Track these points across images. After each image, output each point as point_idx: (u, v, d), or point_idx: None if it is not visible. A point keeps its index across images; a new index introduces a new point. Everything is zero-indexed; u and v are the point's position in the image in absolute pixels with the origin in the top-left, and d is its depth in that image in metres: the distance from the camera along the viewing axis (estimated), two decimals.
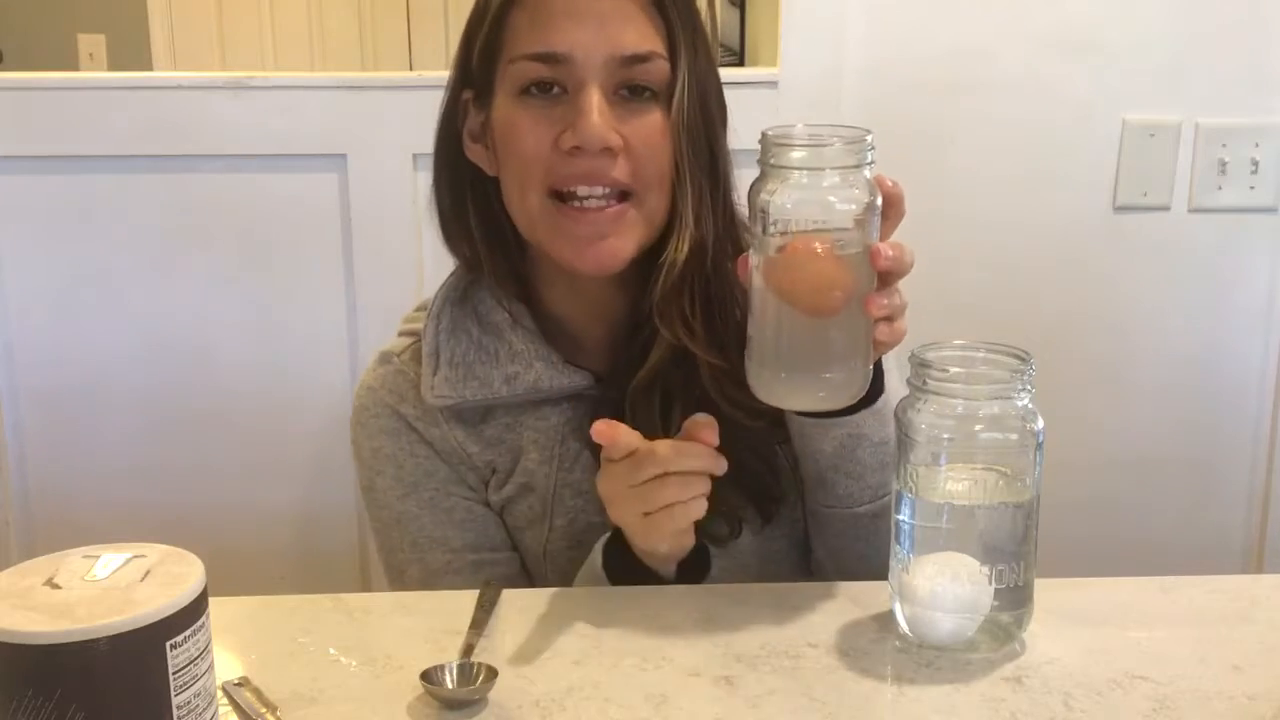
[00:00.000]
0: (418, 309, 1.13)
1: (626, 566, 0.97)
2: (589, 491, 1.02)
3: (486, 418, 1.06)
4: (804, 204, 0.82)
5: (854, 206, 0.82)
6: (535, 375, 1.04)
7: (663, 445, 0.89)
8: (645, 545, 0.95)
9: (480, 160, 1.04)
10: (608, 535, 0.99)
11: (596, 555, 0.99)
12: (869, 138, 0.83)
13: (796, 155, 0.82)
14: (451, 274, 1.10)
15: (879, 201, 0.83)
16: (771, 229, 0.83)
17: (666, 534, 0.93)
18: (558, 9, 0.96)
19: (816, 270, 0.83)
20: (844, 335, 0.85)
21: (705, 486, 0.90)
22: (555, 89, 0.97)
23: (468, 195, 1.05)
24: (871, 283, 0.84)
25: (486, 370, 1.04)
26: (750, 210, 0.85)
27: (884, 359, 0.96)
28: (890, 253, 0.82)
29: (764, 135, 0.84)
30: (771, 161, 0.83)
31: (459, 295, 1.07)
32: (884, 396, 0.96)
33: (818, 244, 0.82)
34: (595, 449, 0.99)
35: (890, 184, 0.84)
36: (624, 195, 0.98)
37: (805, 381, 0.86)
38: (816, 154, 0.83)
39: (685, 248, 0.99)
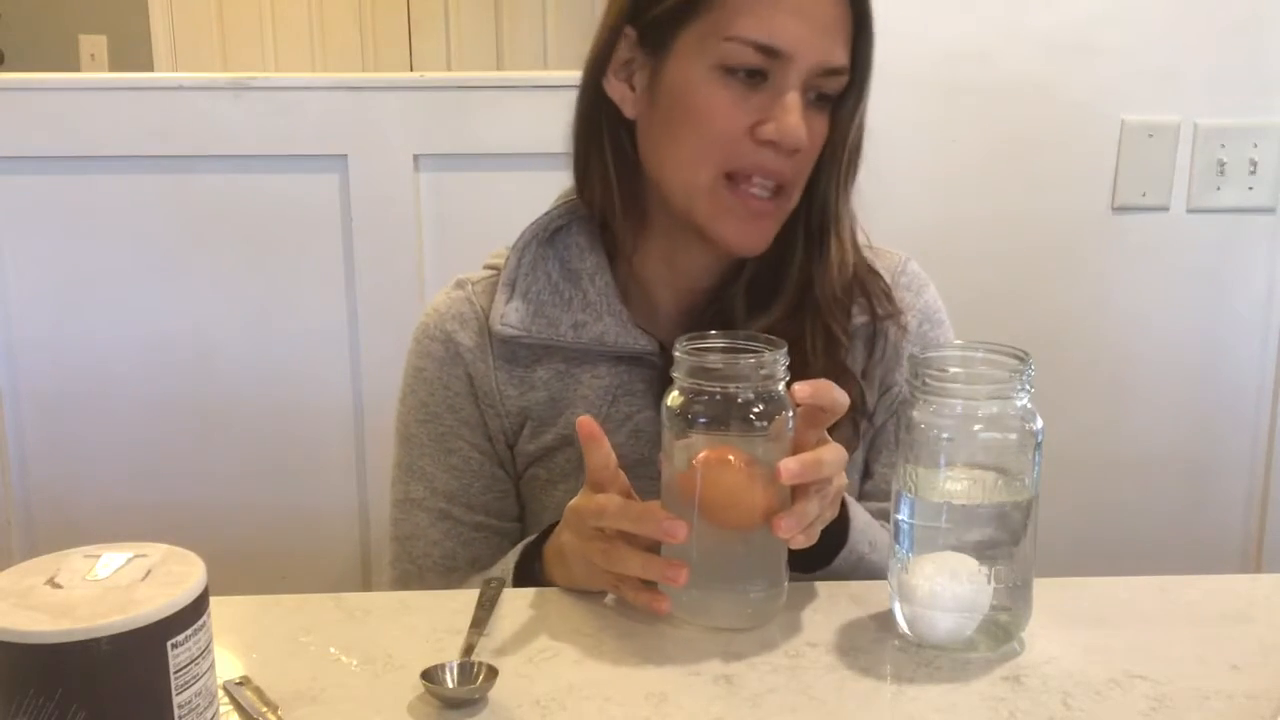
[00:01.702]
0: (506, 247, 1.12)
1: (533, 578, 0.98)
2: (628, 455, 1.00)
3: (541, 360, 1.07)
4: (718, 418, 0.84)
5: (766, 423, 0.84)
6: (602, 329, 1.05)
7: (613, 501, 0.86)
8: (566, 575, 0.94)
9: (621, 98, 1.04)
10: (530, 540, 1.00)
11: (510, 559, 1.00)
12: (782, 353, 0.84)
13: (712, 369, 0.83)
14: (544, 213, 1.10)
15: (790, 412, 0.85)
16: (682, 441, 0.84)
17: (585, 580, 0.92)
18: (786, 4, 0.96)
19: (730, 483, 0.84)
20: (766, 549, 0.86)
21: (635, 558, 0.86)
22: (754, 75, 0.98)
23: (603, 127, 1.05)
24: (786, 499, 0.85)
25: (556, 313, 1.06)
26: (663, 418, 0.86)
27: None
28: (795, 468, 0.82)
29: (677, 344, 0.85)
30: (685, 372, 0.84)
31: (546, 235, 1.08)
32: (851, 524, 0.96)
33: (731, 455, 0.83)
34: (644, 413, 1.04)
35: (808, 391, 0.84)
36: (780, 191, 1.01)
37: (729, 599, 0.86)
38: (732, 368, 0.84)
39: (850, 245, 1.05)
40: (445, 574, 1.10)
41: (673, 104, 1.00)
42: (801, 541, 0.85)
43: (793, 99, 0.97)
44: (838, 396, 0.85)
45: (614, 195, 1.05)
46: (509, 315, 1.06)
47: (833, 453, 0.85)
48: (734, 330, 0.90)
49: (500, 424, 1.09)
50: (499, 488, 1.11)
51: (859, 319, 1.08)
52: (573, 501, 0.92)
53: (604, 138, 1.05)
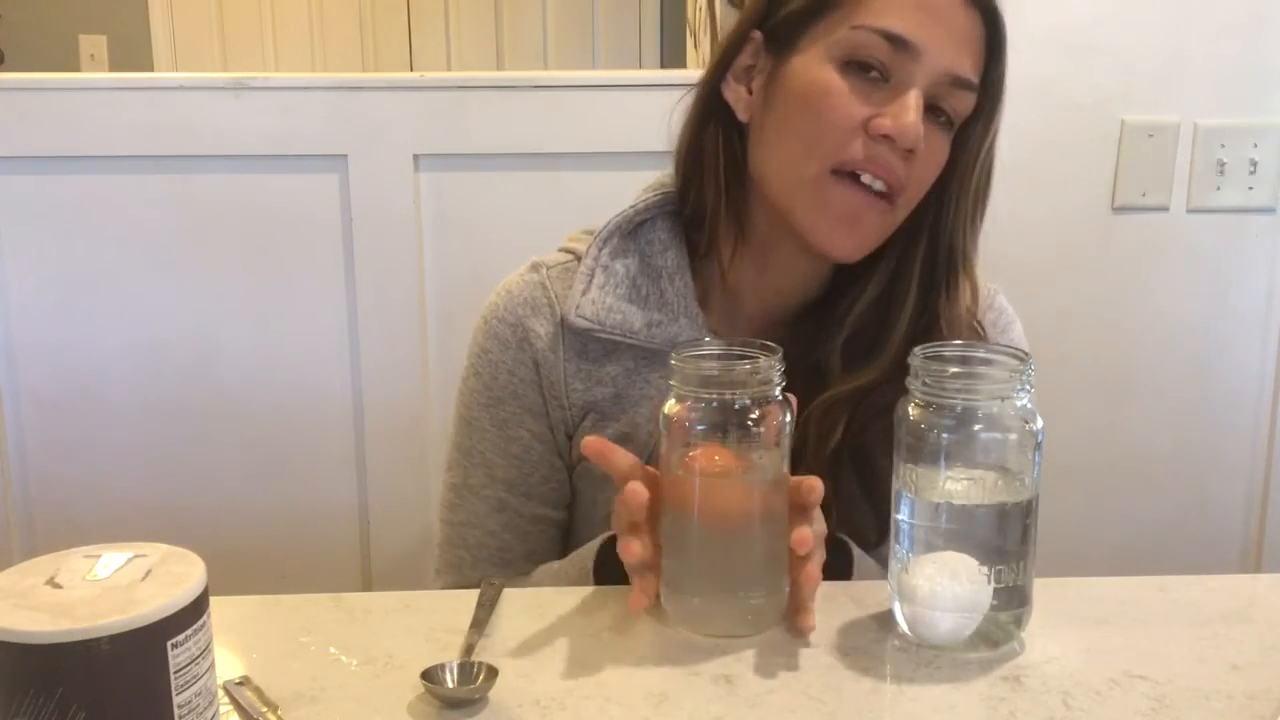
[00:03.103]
0: (585, 230, 1.11)
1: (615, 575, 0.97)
2: None
3: (610, 355, 1.06)
4: (715, 425, 0.84)
5: (763, 429, 0.83)
6: (677, 330, 1.04)
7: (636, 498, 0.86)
8: None
9: (736, 101, 1.03)
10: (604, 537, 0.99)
11: (590, 553, 0.99)
12: (777, 359, 0.84)
13: (707, 374, 0.83)
14: (630, 205, 1.08)
15: (788, 418, 0.85)
16: (678, 444, 0.84)
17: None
18: (921, 1, 0.95)
19: (721, 485, 0.84)
20: (766, 556, 0.86)
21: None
22: (875, 73, 0.96)
23: (717, 133, 1.04)
24: (785, 505, 0.86)
25: (632, 309, 1.04)
26: (659, 426, 0.86)
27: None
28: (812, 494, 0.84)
29: (675, 350, 0.85)
30: (681, 380, 0.84)
31: (630, 228, 1.07)
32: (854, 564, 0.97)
33: (718, 456, 0.83)
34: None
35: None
36: (889, 197, 0.98)
37: (729, 606, 0.86)
38: (728, 375, 0.83)
39: (971, 290, 1.03)
40: (501, 566, 1.09)
41: (789, 99, 0.99)
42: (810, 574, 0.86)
43: (914, 96, 0.94)
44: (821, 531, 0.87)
45: (721, 197, 1.04)
46: (584, 307, 1.04)
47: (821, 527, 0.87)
48: (730, 337, 0.90)
49: (562, 414, 1.07)
50: (557, 478, 1.10)
51: None
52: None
53: (717, 140, 1.04)
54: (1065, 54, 1.71)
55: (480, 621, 0.87)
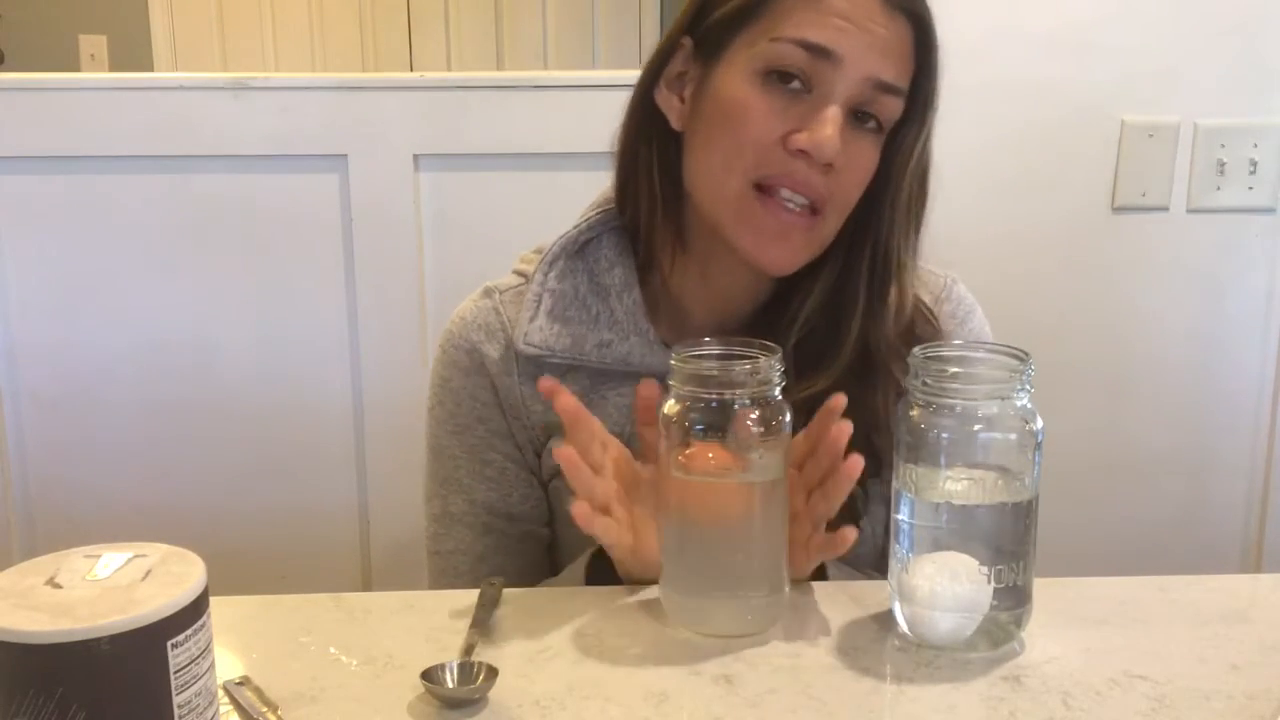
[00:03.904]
0: (535, 250, 1.11)
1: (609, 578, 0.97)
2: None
3: (565, 376, 1.05)
4: (715, 425, 0.84)
5: (763, 429, 0.83)
6: (628, 349, 1.04)
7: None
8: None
9: (669, 109, 1.02)
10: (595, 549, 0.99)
11: (580, 569, 0.99)
12: (777, 358, 0.84)
13: (707, 374, 0.83)
14: (574, 225, 1.08)
15: (787, 418, 0.85)
16: (676, 444, 0.84)
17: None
18: (840, 8, 0.94)
19: (724, 486, 0.84)
20: (766, 555, 0.86)
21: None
22: (797, 83, 0.95)
23: (651, 139, 1.03)
24: (784, 504, 0.86)
25: (582, 331, 1.04)
26: (659, 427, 0.86)
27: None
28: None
29: (674, 352, 0.85)
30: (681, 380, 0.84)
31: (576, 248, 1.06)
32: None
33: (711, 454, 0.83)
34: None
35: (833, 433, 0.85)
36: (814, 210, 0.98)
37: (729, 605, 0.86)
38: (727, 375, 0.83)
39: (910, 291, 1.02)
40: None
41: (713, 112, 0.98)
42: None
43: (833, 113, 0.94)
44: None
45: (656, 208, 1.03)
46: (532, 335, 1.04)
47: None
48: (729, 336, 0.89)
49: (527, 435, 1.08)
50: (536, 495, 1.10)
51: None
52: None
53: (651, 150, 1.03)
54: (1065, 54, 1.71)
55: (480, 621, 0.87)
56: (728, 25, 0.98)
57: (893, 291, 1.02)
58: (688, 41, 1.01)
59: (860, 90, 0.95)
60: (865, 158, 0.98)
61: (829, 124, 0.94)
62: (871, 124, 0.98)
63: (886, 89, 0.96)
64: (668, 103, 1.02)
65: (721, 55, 0.98)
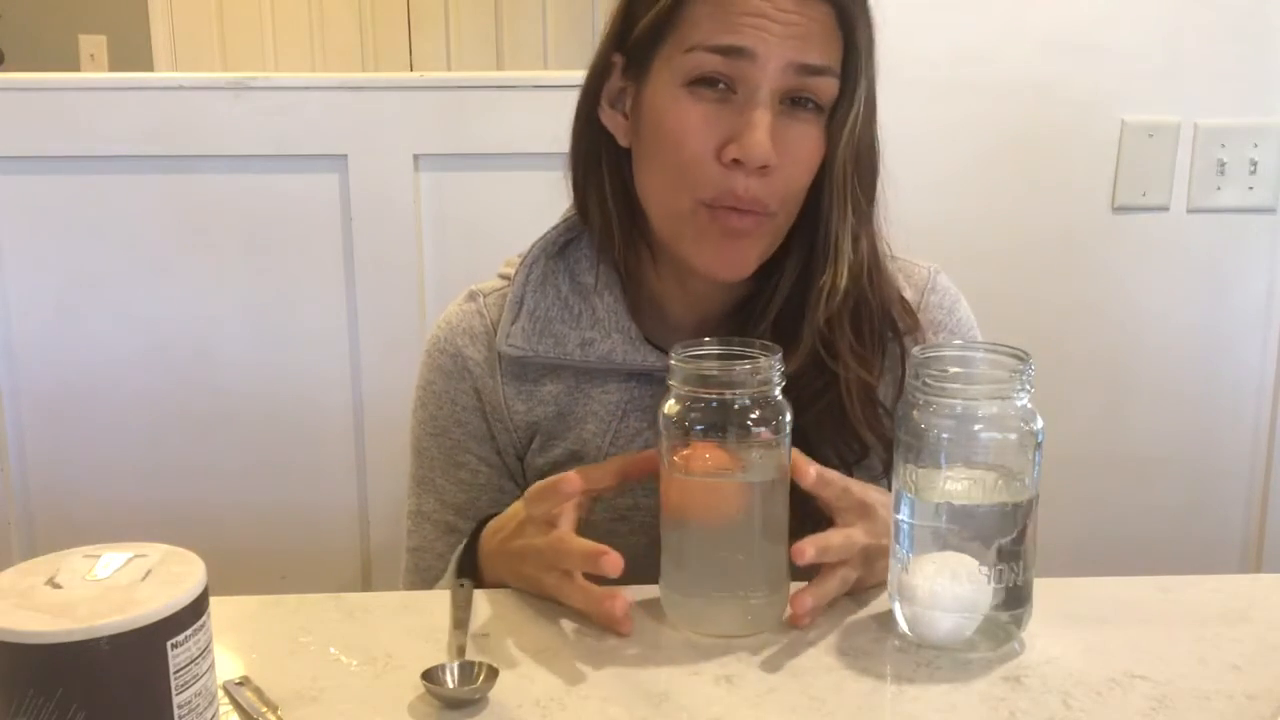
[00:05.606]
0: (519, 255, 1.11)
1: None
2: None
3: (548, 375, 1.06)
4: (715, 425, 0.84)
5: (764, 429, 0.83)
6: (610, 346, 1.04)
7: (571, 544, 0.88)
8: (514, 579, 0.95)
9: (615, 128, 1.02)
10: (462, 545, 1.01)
11: (452, 567, 1.01)
12: (777, 358, 0.84)
13: (707, 373, 0.83)
14: (554, 226, 1.08)
15: (787, 418, 0.85)
16: (676, 444, 0.84)
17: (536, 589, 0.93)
18: (749, 5, 0.94)
19: (723, 485, 0.84)
20: (766, 555, 0.86)
21: (578, 595, 0.88)
22: (723, 85, 0.95)
23: (602, 158, 1.04)
24: (784, 504, 0.86)
25: (565, 330, 1.04)
26: (659, 426, 0.86)
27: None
28: (809, 552, 0.85)
29: (674, 351, 0.85)
30: (681, 380, 0.84)
31: (556, 249, 1.07)
32: None
33: (708, 455, 0.83)
34: (654, 429, 1.01)
35: (810, 554, 0.85)
36: (761, 211, 0.97)
37: (730, 606, 0.86)
38: (728, 375, 0.83)
39: (845, 273, 1.00)
40: None
41: (651, 130, 0.98)
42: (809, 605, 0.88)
43: (759, 116, 0.94)
44: (841, 543, 0.88)
45: (612, 226, 1.04)
46: (514, 336, 1.05)
47: (841, 538, 0.88)
48: (730, 336, 0.89)
49: (509, 438, 1.09)
50: (506, 500, 1.09)
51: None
52: (534, 540, 0.91)
53: (602, 168, 1.04)
54: (1065, 54, 1.71)
55: (462, 622, 0.87)
56: (648, 42, 0.98)
57: (828, 271, 1.01)
58: (619, 59, 1.02)
59: (785, 79, 0.95)
60: (807, 141, 0.98)
61: (757, 128, 0.94)
62: (810, 106, 0.97)
63: (813, 71, 0.96)
64: (612, 120, 1.02)
65: (649, 70, 0.99)
